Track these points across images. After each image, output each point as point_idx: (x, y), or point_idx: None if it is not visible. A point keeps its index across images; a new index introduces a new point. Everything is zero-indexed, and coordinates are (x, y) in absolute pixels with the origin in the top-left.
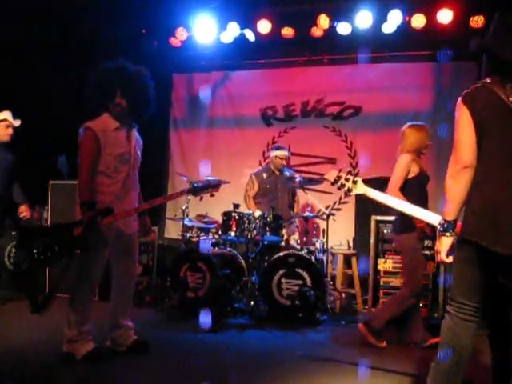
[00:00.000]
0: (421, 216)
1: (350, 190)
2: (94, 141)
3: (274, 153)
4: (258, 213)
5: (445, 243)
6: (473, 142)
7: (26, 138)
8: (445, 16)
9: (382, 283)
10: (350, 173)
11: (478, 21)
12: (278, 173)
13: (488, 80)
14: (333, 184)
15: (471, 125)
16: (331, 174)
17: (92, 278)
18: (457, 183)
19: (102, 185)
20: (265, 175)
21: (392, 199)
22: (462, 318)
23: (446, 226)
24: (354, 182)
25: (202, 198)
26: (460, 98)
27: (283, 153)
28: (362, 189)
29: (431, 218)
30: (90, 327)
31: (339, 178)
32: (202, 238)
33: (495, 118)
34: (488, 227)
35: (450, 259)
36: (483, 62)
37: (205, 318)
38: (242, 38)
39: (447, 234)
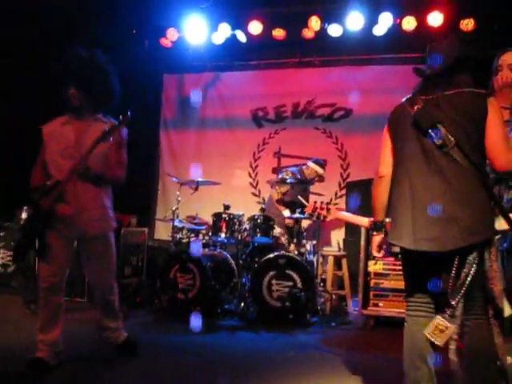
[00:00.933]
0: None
1: (325, 217)
2: (41, 142)
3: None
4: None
5: (374, 240)
6: (388, 154)
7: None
8: (435, 19)
9: (372, 285)
10: (322, 203)
11: (468, 24)
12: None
13: (408, 96)
14: (311, 215)
15: (388, 139)
16: (309, 207)
17: (41, 279)
18: (376, 190)
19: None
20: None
21: (358, 218)
22: (412, 316)
23: (373, 225)
24: (328, 210)
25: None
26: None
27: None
28: (334, 215)
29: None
30: (49, 337)
31: (316, 208)
32: (192, 239)
33: (400, 127)
34: (393, 225)
35: (381, 254)
36: None
37: (194, 321)
38: (233, 39)
39: (374, 232)
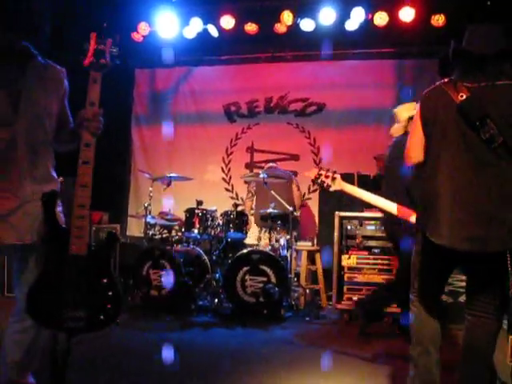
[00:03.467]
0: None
1: (329, 186)
2: None
3: None
4: None
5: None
6: (419, 140)
7: None
8: (407, 14)
9: (346, 279)
10: (328, 170)
11: (438, 20)
12: None
13: (445, 80)
14: (313, 181)
15: (420, 124)
16: (312, 172)
17: None
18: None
19: None
20: None
21: (366, 194)
22: (420, 304)
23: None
24: (333, 179)
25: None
26: (421, 96)
27: None
28: (339, 185)
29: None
30: None
31: (320, 175)
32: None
33: (440, 114)
34: (430, 220)
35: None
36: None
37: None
38: (205, 34)
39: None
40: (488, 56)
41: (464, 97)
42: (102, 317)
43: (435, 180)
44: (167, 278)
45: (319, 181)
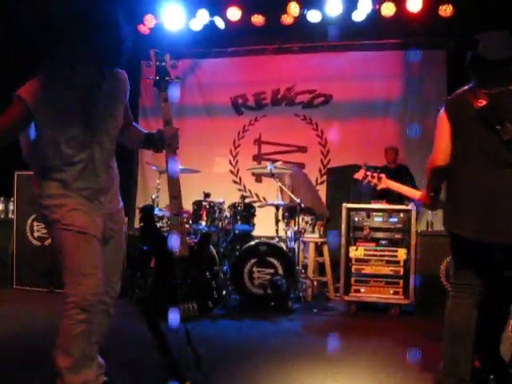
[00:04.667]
0: None
1: (376, 185)
2: None
3: None
4: None
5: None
6: (447, 145)
7: None
8: (414, 4)
9: (353, 271)
10: (375, 171)
11: (446, 10)
12: None
13: (466, 87)
14: (362, 181)
15: (448, 129)
16: (360, 173)
17: None
18: (431, 180)
19: None
20: None
21: (408, 189)
22: (459, 297)
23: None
24: (379, 179)
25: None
26: (444, 104)
27: None
28: (385, 183)
29: None
30: None
31: (366, 176)
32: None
33: (463, 120)
34: (457, 217)
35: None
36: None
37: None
38: (211, 26)
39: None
40: (500, 61)
41: (483, 103)
42: (210, 302)
43: (461, 181)
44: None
45: (366, 180)
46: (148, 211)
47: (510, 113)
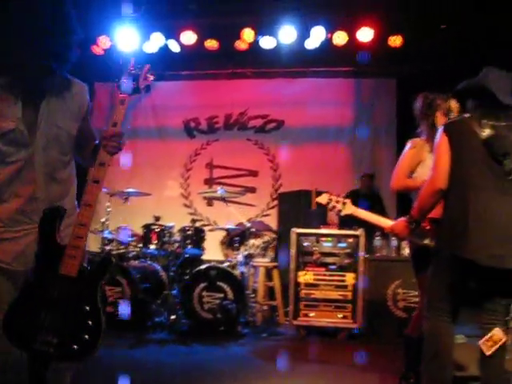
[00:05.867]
0: None
1: (340, 211)
2: None
3: None
4: None
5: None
6: (447, 168)
7: None
8: (365, 34)
9: (302, 295)
10: (339, 196)
11: (396, 40)
12: None
13: (466, 115)
14: (325, 206)
15: (448, 152)
16: (323, 198)
17: None
18: (429, 200)
19: None
20: None
21: (375, 216)
22: (441, 320)
23: (413, 221)
24: (344, 204)
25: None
26: (442, 127)
27: None
28: (350, 209)
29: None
30: None
31: (330, 200)
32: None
33: (465, 145)
34: (458, 238)
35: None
36: (469, 101)
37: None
38: (166, 49)
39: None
40: (509, 106)
41: (487, 133)
42: (75, 347)
43: (462, 205)
44: (123, 308)
45: (330, 206)
46: (54, 212)
47: (510, 145)
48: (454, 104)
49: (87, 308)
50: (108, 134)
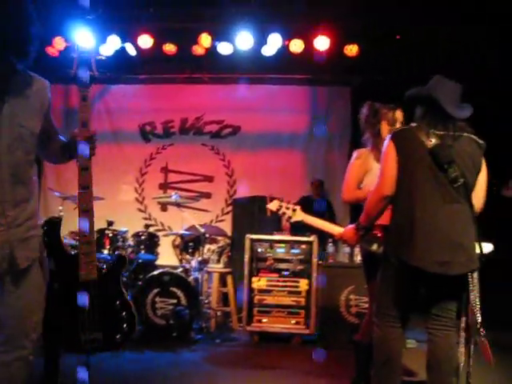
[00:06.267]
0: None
1: (290, 218)
2: None
3: None
4: None
5: (353, 237)
6: (394, 175)
7: None
8: (322, 43)
9: (256, 301)
10: (289, 203)
11: (352, 49)
12: None
13: (414, 124)
14: (276, 212)
15: (395, 160)
16: (273, 204)
17: None
18: (375, 207)
19: None
20: None
21: (324, 223)
22: (390, 326)
23: (362, 227)
24: (294, 210)
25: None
26: (389, 135)
27: None
28: (300, 216)
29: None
30: None
31: (280, 207)
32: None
33: (411, 154)
34: (405, 245)
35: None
36: (418, 109)
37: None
38: (122, 52)
39: (361, 232)
40: (458, 118)
41: (433, 142)
42: (118, 336)
43: (409, 212)
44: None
45: (280, 212)
46: (53, 225)
47: (457, 156)
48: (399, 114)
49: (118, 303)
50: (84, 137)
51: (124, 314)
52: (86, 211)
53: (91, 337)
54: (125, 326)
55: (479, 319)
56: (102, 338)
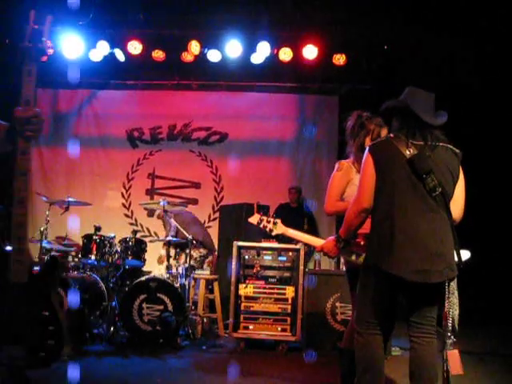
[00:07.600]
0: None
1: (271, 231)
2: None
3: None
4: None
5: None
6: (372, 188)
7: None
8: (310, 52)
9: (242, 308)
10: (269, 216)
11: (340, 59)
12: None
13: (391, 135)
14: (257, 226)
15: (373, 173)
16: (254, 218)
17: None
18: (355, 220)
19: None
20: None
21: (306, 236)
22: (371, 334)
23: (342, 240)
24: (275, 224)
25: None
26: (368, 148)
27: None
28: (281, 229)
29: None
30: None
31: (261, 220)
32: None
33: (390, 165)
34: (385, 254)
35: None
36: (394, 120)
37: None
38: (111, 58)
39: (342, 244)
40: (434, 126)
41: (412, 152)
42: (42, 354)
43: (389, 222)
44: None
45: (261, 226)
46: None
47: (435, 165)
48: (384, 132)
49: (46, 313)
50: (24, 116)
51: (51, 328)
52: (21, 202)
53: (12, 351)
54: (50, 341)
55: (451, 327)
56: (24, 353)
